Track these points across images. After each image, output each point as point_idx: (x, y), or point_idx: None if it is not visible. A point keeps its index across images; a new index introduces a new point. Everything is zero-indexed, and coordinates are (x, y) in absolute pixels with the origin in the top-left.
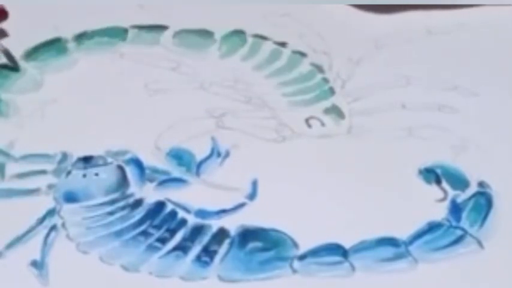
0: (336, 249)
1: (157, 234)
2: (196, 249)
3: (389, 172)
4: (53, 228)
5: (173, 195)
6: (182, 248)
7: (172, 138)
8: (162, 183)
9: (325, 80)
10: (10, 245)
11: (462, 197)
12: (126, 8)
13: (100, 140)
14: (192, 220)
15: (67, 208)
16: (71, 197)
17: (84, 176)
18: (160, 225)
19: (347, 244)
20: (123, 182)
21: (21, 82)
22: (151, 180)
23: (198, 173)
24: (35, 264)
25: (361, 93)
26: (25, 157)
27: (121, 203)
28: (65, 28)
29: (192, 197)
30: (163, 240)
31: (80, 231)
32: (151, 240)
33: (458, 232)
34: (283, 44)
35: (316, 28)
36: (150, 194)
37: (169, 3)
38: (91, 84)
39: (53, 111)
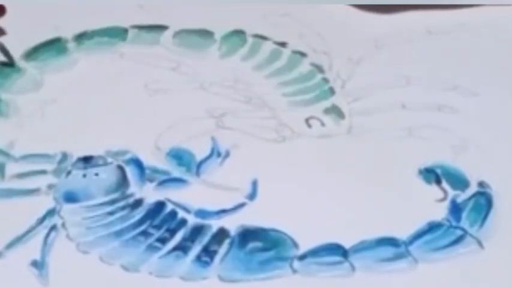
0: (336, 249)
1: (157, 234)
2: (196, 249)
3: (389, 172)
4: (53, 228)
5: (173, 195)
6: (182, 248)
7: (172, 138)
8: (162, 183)
9: (325, 80)
10: (10, 245)
11: (462, 197)
12: (126, 8)
13: (100, 140)
14: (192, 220)
15: (67, 208)
16: (71, 197)
17: (84, 176)
18: (160, 225)
19: (347, 244)
20: (123, 182)
21: (21, 82)
22: (151, 180)
23: (198, 173)
24: (35, 264)
25: (361, 93)
26: (25, 157)
27: (121, 203)
28: (65, 28)
29: (192, 197)
30: (163, 240)
31: (80, 231)
32: (151, 240)
33: (458, 232)
34: (283, 44)
35: (316, 28)
36: (150, 194)
37: (169, 3)
38: (91, 84)
39: (53, 111)
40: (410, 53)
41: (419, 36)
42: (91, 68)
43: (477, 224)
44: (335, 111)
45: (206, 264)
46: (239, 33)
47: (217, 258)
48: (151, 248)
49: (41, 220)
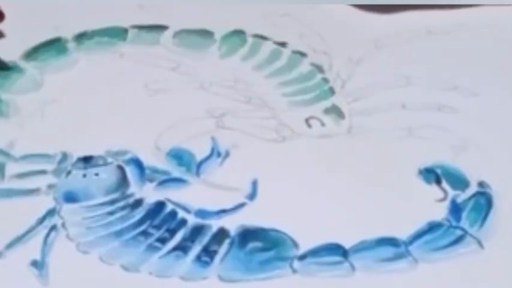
0: (336, 249)
1: (157, 234)
2: (196, 249)
3: (390, 172)
4: (53, 228)
5: (173, 195)
6: (182, 248)
7: (172, 138)
8: (162, 183)
9: (325, 80)
10: (10, 245)
11: (462, 197)
12: (126, 8)
13: (100, 140)
14: (192, 220)
15: (67, 208)
16: (71, 197)
17: (84, 176)
18: (160, 225)
19: (347, 244)
20: (123, 182)
21: (21, 82)
22: (151, 180)
23: (198, 173)
24: (35, 264)
25: (361, 93)
26: (25, 157)
27: (121, 203)
28: (65, 28)
29: (192, 197)
30: (163, 240)
31: (80, 231)
32: (151, 240)
33: (458, 232)
34: (283, 44)
35: (316, 28)
36: (150, 194)
37: (169, 3)
38: (91, 84)
39: (53, 111)
40: (410, 53)
41: (419, 36)
42: (91, 68)
43: (477, 224)
44: (335, 111)
45: (206, 264)
46: (239, 33)
47: (217, 258)
48: (151, 248)
49: (41, 220)
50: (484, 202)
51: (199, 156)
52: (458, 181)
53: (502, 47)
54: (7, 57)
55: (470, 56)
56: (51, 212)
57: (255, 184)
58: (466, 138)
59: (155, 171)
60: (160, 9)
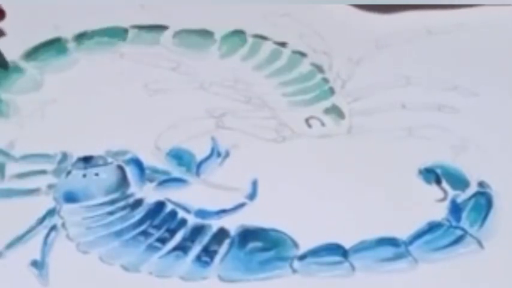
0: (336, 249)
1: (157, 234)
2: (196, 249)
3: (390, 172)
4: (53, 228)
5: (173, 195)
6: (182, 248)
7: (172, 138)
8: (162, 183)
9: (325, 80)
10: (10, 245)
11: (462, 197)
12: (126, 8)
13: (100, 140)
14: (192, 220)
15: (67, 208)
16: (71, 197)
17: (84, 176)
18: (160, 225)
19: (347, 244)
20: (123, 182)
21: (21, 82)
22: (151, 180)
23: (198, 173)
24: (35, 264)
25: (361, 93)
26: (25, 157)
27: (121, 203)
28: (65, 28)
29: (192, 197)
30: (163, 240)
31: (80, 231)
32: (151, 240)
33: (458, 232)
34: (283, 44)
35: (316, 28)
36: (150, 194)
37: (169, 3)
38: (91, 84)
39: (53, 111)
40: (410, 53)
41: (419, 36)
42: (91, 68)
43: (477, 224)
44: (335, 111)
45: (206, 264)
46: (239, 33)
47: (217, 258)
48: (151, 248)
49: (41, 220)
50: (484, 202)
51: (199, 156)
52: (458, 181)
53: (502, 47)
54: (7, 57)
55: (470, 56)
56: (51, 212)
57: (255, 184)
58: (466, 138)
59: (155, 171)
60: (160, 9)
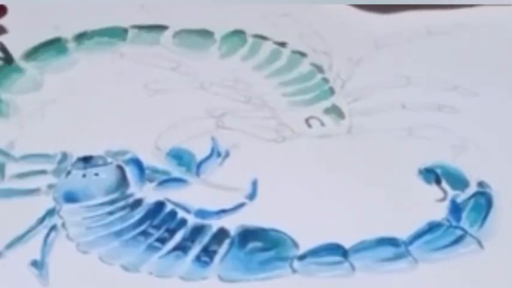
0: (336, 249)
1: (157, 234)
2: (196, 249)
3: (390, 172)
4: (53, 228)
5: (173, 195)
6: (182, 248)
7: (172, 138)
8: (162, 183)
9: (325, 80)
10: (10, 245)
11: (462, 197)
12: (126, 8)
13: (100, 140)
14: (192, 220)
15: (67, 208)
16: (70, 197)
17: (84, 176)
18: (160, 225)
19: (347, 244)
20: (123, 182)
21: (21, 82)
22: (151, 180)
23: (198, 173)
24: (35, 264)
25: (361, 93)
26: (25, 157)
27: (121, 203)
28: (65, 28)
29: (192, 197)
30: (163, 240)
31: (80, 231)
32: (151, 240)
33: (458, 232)
34: (283, 44)
35: (316, 28)
36: (150, 194)
37: (169, 3)
38: (91, 84)
39: (53, 111)
40: (410, 53)
41: (419, 36)
42: (91, 68)
43: (477, 224)
44: (335, 111)
45: (206, 264)
46: (239, 33)
47: (217, 258)
48: (151, 248)
49: (41, 220)
50: (484, 202)
51: (199, 156)
52: (458, 181)
53: (502, 47)
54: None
55: (470, 56)
56: (51, 212)
57: (255, 184)
58: (466, 138)
59: (155, 171)
60: (160, 9)
